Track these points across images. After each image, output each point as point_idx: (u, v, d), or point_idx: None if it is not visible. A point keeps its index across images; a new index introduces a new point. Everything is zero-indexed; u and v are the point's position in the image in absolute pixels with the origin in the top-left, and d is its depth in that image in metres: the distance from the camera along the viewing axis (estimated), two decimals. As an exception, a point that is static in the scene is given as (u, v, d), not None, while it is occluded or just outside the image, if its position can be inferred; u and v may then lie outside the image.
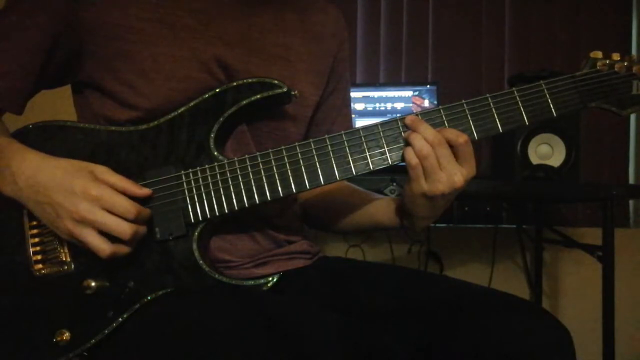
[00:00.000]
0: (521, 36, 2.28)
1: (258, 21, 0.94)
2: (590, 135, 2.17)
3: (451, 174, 0.79)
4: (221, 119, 0.84)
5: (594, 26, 2.26)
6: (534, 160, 1.71)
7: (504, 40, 2.30)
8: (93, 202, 0.75)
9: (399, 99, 2.04)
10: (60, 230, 0.77)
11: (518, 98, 0.83)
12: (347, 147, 0.82)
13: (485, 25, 2.30)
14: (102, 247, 0.75)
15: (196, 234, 0.81)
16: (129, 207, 0.75)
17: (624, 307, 2.07)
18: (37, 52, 0.85)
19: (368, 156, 0.82)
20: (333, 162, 0.82)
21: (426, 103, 2.03)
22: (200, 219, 0.81)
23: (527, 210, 2.24)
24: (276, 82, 0.85)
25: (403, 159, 0.82)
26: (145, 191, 0.79)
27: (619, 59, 0.85)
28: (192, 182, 0.82)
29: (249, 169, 0.82)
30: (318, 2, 1.05)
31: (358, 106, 2.03)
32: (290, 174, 0.82)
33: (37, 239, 0.82)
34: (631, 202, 2.31)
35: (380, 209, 0.98)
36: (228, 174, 0.82)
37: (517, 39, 2.29)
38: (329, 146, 0.82)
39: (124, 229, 0.75)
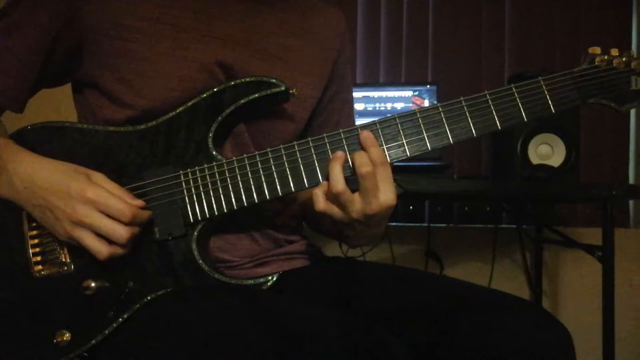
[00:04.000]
0: (521, 36, 2.28)
1: (259, 22, 0.94)
2: (590, 135, 2.17)
3: (366, 204, 0.77)
4: (219, 118, 0.84)
5: (594, 26, 2.26)
6: (534, 160, 1.70)
7: (504, 40, 2.29)
8: (89, 205, 0.75)
9: (399, 99, 2.04)
10: (58, 233, 0.77)
11: (516, 94, 0.82)
12: (345, 146, 0.82)
13: (485, 25, 2.30)
14: (100, 248, 0.75)
15: (195, 233, 0.81)
16: (125, 210, 0.75)
17: (624, 307, 2.07)
18: (37, 51, 0.86)
19: (366, 155, 0.82)
20: (332, 160, 0.81)
21: (426, 103, 2.02)
22: (200, 218, 0.81)
23: (527, 210, 2.24)
24: (274, 80, 0.85)
25: (404, 157, 0.82)
26: (137, 202, 0.78)
27: (617, 54, 0.84)
28: (191, 181, 0.82)
29: (248, 168, 0.82)
30: (319, 5, 1.05)
31: (358, 106, 2.03)
32: (289, 173, 0.81)
33: (36, 240, 0.82)
34: (631, 202, 2.30)
35: None
36: (227, 174, 0.82)
37: (517, 39, 2.28)
38: (328, 144, 0.82)
39: (120, 233, 0.75)
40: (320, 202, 0.79)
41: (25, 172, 0.78)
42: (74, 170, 0.78)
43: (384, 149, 0.81)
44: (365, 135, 0.80)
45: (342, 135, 0.82)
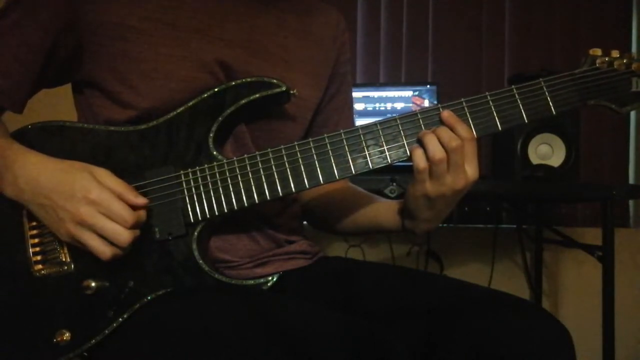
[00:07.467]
0: (521, 36, 2.28)
1: (260, 23, 0.94)
2: (590, 135, 2.17)
3: (456, 178, 0.79)
4: (220, 118, 0.84)
5: (594, 26, 2.26)
6: (534, 160, 1.71)
7: (504, 40, 2.30)
8: (93, 206, 0.75)
9: (399, 99, 2.04)
10: (61, 233, 0.77)
11: (517, 96, 0.83)
12: (346, 146, 0.82)
13: (485, 25, 2.30)
14: (103, 249, 0.75)
15: (196, 233, 0.81)
16: (125, 216, 0.75)
17: (624, 307, 2.07)
18: (38, 51, 0.85)
19: (367, 155, 0.82)
20: (332, 161, 0.82)
21: (426, 103, 2.03)
22: (200, 218, 0.81)
23: (527, 210, 2.24)
24: (275, 81, 0.86)
25: (405, 158, 0.82)
26: (141, 200, 0.78)
27: (618, 56, 0.85)
28: (192, 181, 0.82)
29: (248, 168, 0.82)
30: (319, 5, 1.05)
31: (358, 106, 2.03)
32: (289, 173, 0.82)
33: (37, 240, 0.82)
34: (631, 202, 2.31)
35: (382, 211, 0.98)
36: (227, 174, 0.82)
37: (517, 39, 2.29)
38: (328, 145, 0.82)
39: (123, 236, 0.75)
40: (422, 161, 0.80)
41: (30, 171, 0.78)
42: (78, 169, 0.78)
43: (385, 149, 0.81)
44: (447, 114, 0.81)
45: (343, 136, 0.82)
